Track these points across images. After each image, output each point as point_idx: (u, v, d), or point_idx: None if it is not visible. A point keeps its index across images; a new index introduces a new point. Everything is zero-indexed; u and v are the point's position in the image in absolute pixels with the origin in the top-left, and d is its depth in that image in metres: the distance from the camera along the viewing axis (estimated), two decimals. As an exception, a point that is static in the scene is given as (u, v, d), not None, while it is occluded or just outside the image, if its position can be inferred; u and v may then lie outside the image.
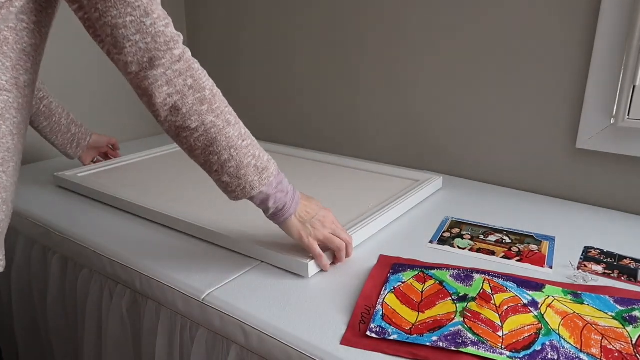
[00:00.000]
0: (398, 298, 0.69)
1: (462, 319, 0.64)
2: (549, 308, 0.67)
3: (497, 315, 0.65)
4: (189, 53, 0.63)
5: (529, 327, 0.63)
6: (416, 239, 0.86)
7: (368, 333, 0.62)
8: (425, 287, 0.72)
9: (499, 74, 1.10)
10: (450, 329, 0.62)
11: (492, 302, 0.67)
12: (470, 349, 0.58)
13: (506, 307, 0.66)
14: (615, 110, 0.97)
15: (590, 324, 0.64)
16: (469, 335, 0.61)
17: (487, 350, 0.58)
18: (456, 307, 0.67)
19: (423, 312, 0.66)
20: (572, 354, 0.59)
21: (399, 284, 0.72)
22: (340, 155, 1.32)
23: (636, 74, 0.93)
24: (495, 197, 1.06)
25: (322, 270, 0.76)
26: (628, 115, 0.96)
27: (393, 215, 0.93)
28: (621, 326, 0.64)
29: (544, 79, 1.04)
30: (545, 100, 1.05)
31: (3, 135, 0.60)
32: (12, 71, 0.59)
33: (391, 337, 0.61)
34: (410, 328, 0.63)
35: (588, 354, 0.59)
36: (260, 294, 0.70)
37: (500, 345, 0.60)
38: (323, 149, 1.42)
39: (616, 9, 0.92)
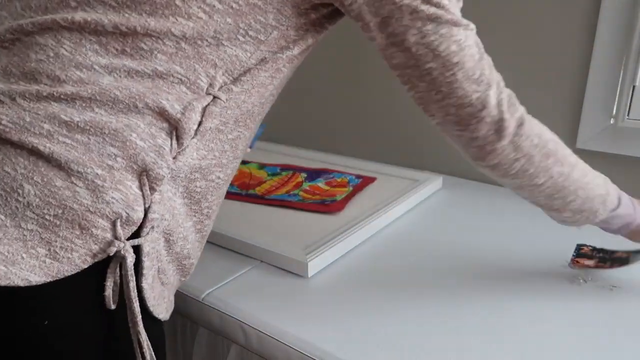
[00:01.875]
0: None
1: None
2: (238, 170, 1.09)
3: None
4: (524, 109, 0.57)
5: None
6: (416, 239, 0.86)
7: None
8: None
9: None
10: None
11: None
12: None
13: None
14: (615, 110, 0.97)
15: (252, 174, 1.10)
16: None
17: None
18: None
19: None
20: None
21: None
22: (340, 155, 1.32)
23: (636, 74, 0.93)
24: (495, 197, 1.06)
25: (322, 270, 0.76)
26: (628, 115, 0.96)
27: (393, 216, 0.93)
28: (265, 174, 1.12)
29: (544, 79, 1.04)
30: (545, 100, 1.05)
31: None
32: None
33: None
34: None
35: (231, 184, 1.04)
36: (259, 294, 0.70)
37: None
38: (323, 149, 1.42)
39: (616, 9, 0.92)
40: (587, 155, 1.03)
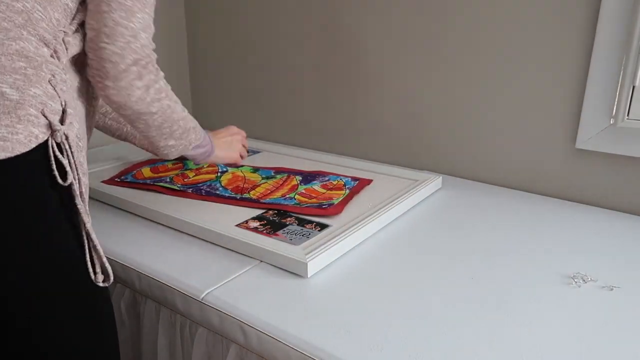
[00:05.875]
0: (151, 170, 1.16)
1: (172, 175, 1.12)
2: (232, 174, 1.13)
3: (194, 173, 1.13)
4: (156, 57, 0.75)
5: (207, 178, 1.11)
6: (415, 239, 0.86)
7: (116, 179, 1.11)
8: (172, 165, 1.20)
9: (499, 74, 1.10)
10: (162, 177, 1.11)
11: (201, 170, 1.15)
12: (161, 184, 1.06)
13: (203, 171, 1.14)
14: (614, 111, 0.97)
15: (245, 178, 1.11)
16: (168, 180, 1.09)
17: (170, 184, 1.06)
18: (177, 171, 1.15)
19: (157, 173, 1.15)
20: (217, 186, 1.06)
21: (159, 164, 1.21)
22: (339, 155, 1.32)
23: (636, 74, 0.93)
24: (495, 197, 1.06)
25: (321, 268, 0.76)
26: (628, 115, 0.97)
27: (392, 215, 0.93)
28: (259, 177, 1.12)
29: (544, 79, 1.04)
30: (545, 100, 1.05)
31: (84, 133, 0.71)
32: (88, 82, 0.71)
33: (127, 180, 1.10)
34: (143, 179, 1.10)
35: (225, 188, 1.05)
36: (259, 294, 0.70)
37: (180, 184, 1.06)
38: (322, 149, 1.42)
39: (616, 10, 0.92)
40: (587, 155, 1.03)
